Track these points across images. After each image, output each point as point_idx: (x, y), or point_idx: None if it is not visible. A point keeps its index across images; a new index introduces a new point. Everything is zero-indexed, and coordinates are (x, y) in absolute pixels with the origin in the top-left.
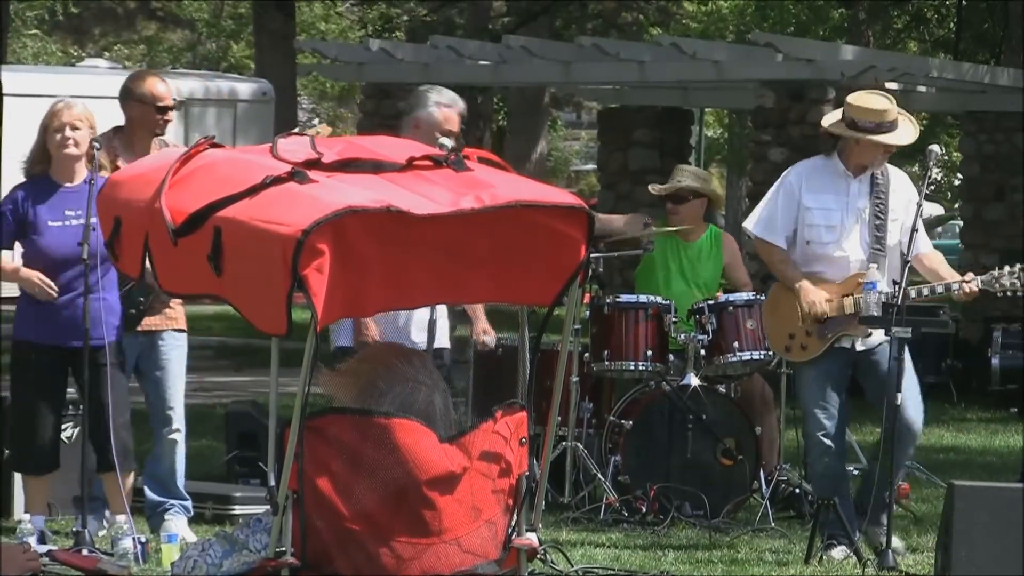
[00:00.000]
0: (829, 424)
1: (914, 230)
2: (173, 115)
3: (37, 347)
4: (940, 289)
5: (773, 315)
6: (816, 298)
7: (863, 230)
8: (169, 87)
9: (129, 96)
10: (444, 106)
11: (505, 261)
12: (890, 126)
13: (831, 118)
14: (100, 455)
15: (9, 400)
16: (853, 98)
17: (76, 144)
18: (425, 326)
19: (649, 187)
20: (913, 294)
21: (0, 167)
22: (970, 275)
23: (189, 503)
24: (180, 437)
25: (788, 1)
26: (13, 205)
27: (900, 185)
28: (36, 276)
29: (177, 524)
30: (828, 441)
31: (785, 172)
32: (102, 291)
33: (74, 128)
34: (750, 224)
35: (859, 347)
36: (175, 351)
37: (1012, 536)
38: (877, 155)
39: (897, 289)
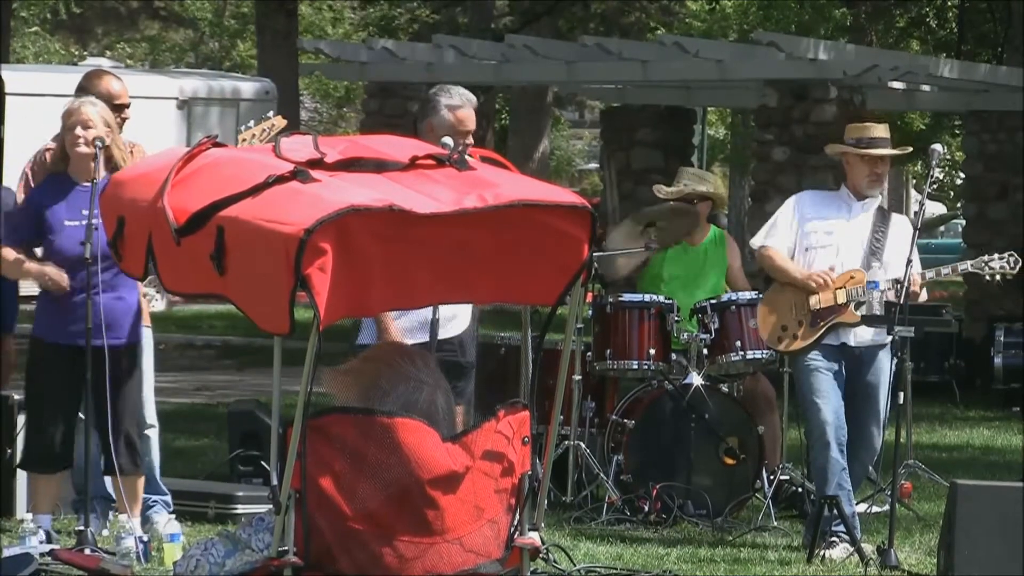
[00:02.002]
0: (829, 414)
1: (916, 229)
2: (130, 112)
3: (52, 345)
4: (930, 274)
5: (768, 310)
6: (823, 274)
7: (862, 244)
8: (125, 85)
9: (86, 95)
10: (455, 108)
11: (508, 260)
12: (870, 143)
13: (836, 146)
14: (107, 457)
15: (24, 397)
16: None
17: (87, 143)
18: (449, 325)
19: (654, 189)
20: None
21: (1, 166)
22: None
23: (168, 497)
24: (154, 433)
25: (791, 0)
26: (28, 204)
27: (901, 224)
28: (48, 268)
29: (162, 520)
30: (830, 430)
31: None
32: (120, 290)
33: (86, 127)
34: (753, 240)
35: (851, 342)
36: (143, 347)
37: (1015, 535)
38: (864, 173)
39: (899, 288)
